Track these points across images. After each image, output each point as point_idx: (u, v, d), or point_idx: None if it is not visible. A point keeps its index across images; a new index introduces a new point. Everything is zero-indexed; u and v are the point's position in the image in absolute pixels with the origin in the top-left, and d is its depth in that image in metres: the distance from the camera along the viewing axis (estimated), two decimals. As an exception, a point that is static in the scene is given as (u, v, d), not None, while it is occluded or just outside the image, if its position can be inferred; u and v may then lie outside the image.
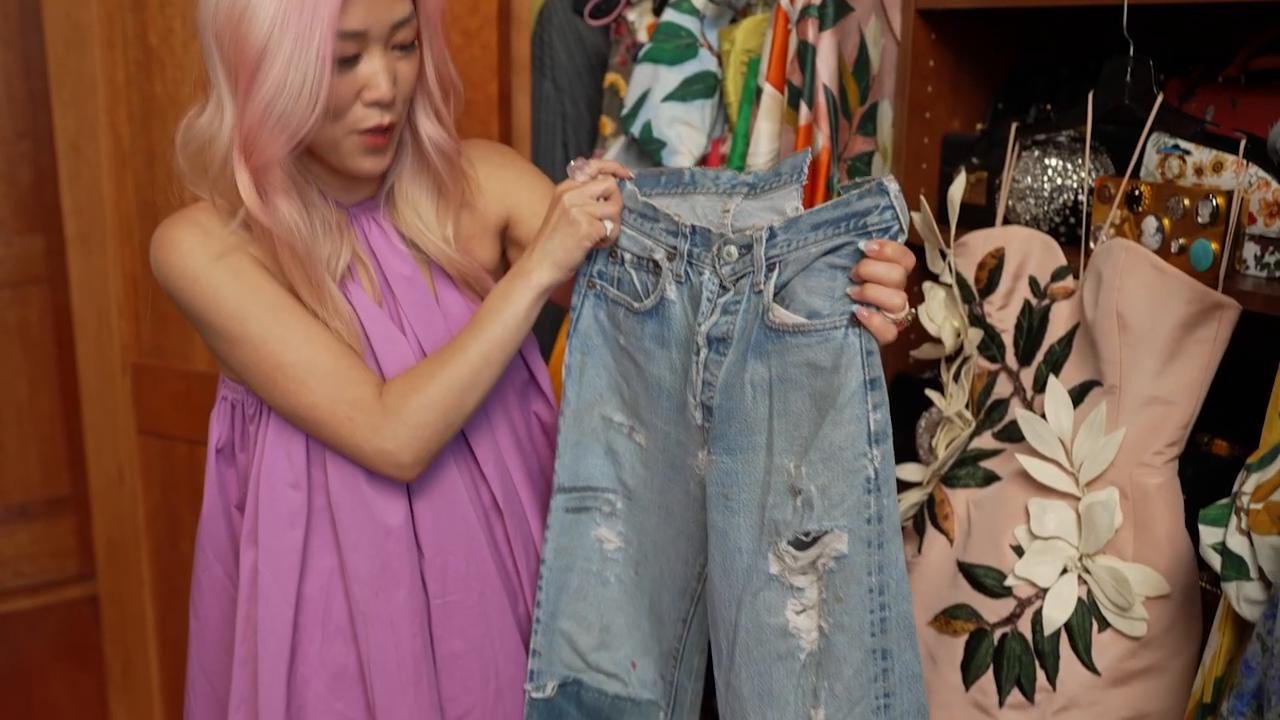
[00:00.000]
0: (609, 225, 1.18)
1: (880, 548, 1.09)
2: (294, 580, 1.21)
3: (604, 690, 1.33)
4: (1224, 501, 1.01)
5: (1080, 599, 1.21)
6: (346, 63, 1.12)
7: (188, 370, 2.07)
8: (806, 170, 1.10)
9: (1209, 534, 1.00)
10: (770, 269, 1.09)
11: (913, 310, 1.04)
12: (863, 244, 1.04)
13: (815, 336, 1.08)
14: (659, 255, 1.17)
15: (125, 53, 2.07)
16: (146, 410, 2.16)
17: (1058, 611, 1.22)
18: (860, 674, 1.10)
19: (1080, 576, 1.21)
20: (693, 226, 1.15)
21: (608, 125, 1.81)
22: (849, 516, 1.09)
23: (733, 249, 1.12)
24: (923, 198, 1.33)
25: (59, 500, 3.52)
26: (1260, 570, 0.96)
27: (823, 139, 1.50)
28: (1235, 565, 0.98)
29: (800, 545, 1.11)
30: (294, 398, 1.18)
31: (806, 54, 1.48)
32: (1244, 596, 0.97)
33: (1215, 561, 1.00)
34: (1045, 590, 1.23)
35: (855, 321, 1.06)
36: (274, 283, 1.18)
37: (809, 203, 1.54)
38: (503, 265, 1.38)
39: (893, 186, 1.03)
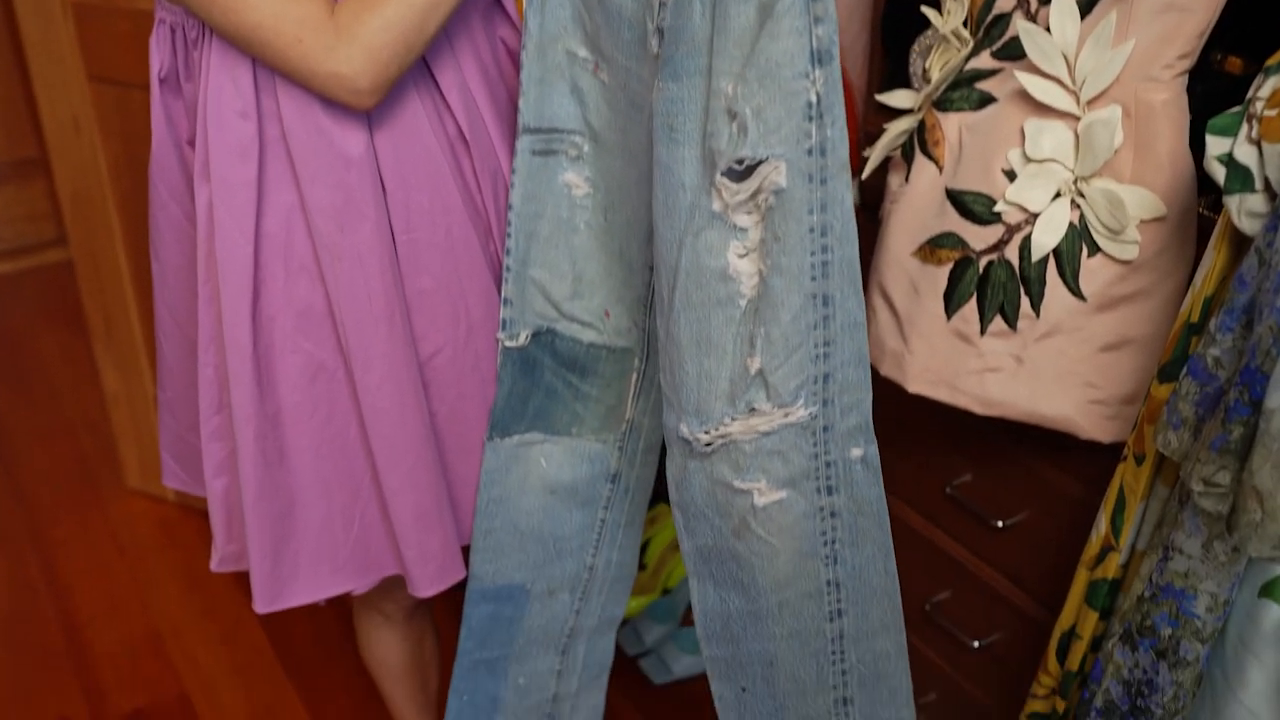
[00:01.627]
0: None
1: (823, 184, 1.02)
2: (251, 216, 1.16)
3: (579, 339, 1.31)
4: (1235, 110, 0.94)
5: (1072, 223, 1.17)
6: None
7: (134, 9, 1.92)
8: None
9: (1216, 144, 0.94)
10: None
11: None
12: None
13: None
14: None
15: None
16: (95, 55, 2.02)
17: (1047, 236, 1.17)
18: (798, 320, 1.06)
19: (1073, 200, 1.16)
20: None
21: None
22: (786, 144, 1.01)
23: None
24: None
25: (28, 162, 3.41)
26: (1266, 181, 0.91)
27: None
28: (1240, 177, 0.93)
29: (735, 175, 1.04)
30: (234, 15, 1.09)
31: None
32: (1246, 209, 0.93)
33: (1219, 174, 0.94)
34: (1036, 215, 1.18)
35: None
36: None
37: None
38: None
39: None
